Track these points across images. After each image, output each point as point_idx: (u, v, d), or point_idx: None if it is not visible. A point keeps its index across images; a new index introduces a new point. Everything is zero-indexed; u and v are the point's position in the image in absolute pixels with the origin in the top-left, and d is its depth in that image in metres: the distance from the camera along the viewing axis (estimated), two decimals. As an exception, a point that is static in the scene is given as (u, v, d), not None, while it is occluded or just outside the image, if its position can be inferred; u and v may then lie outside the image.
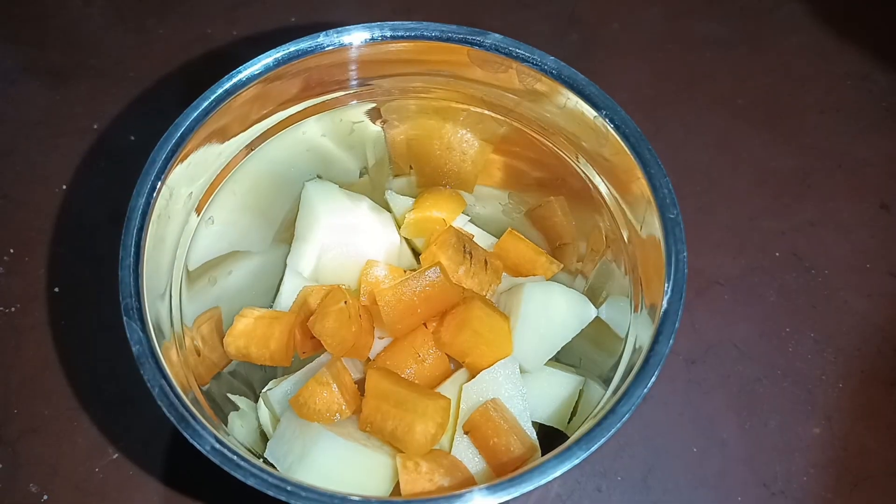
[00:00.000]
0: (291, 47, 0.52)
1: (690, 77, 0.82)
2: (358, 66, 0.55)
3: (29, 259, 0.71)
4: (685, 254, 0.47)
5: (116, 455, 0.63)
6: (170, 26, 0.84)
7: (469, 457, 0.52)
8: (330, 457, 0.49)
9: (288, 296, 0.60)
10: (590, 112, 0.51)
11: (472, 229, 0.65)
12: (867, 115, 0.80)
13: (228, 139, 0.53)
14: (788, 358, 0.68)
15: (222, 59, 0.82)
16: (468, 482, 0.51)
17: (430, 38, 0.52)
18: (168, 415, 0.43)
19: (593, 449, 0.42)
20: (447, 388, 0.54)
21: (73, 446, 0.63)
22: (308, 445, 0.49)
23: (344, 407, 0.51)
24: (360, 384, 0.55)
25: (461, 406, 0.53)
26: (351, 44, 0.53)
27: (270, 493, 0.41)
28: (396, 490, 0.50)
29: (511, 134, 0.58)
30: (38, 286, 0.69)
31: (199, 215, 0.54)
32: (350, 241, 0.61)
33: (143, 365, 0.44)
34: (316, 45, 0.52)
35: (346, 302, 0.53)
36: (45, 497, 0.61)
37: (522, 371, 0.55)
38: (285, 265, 0.62)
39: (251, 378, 0.60)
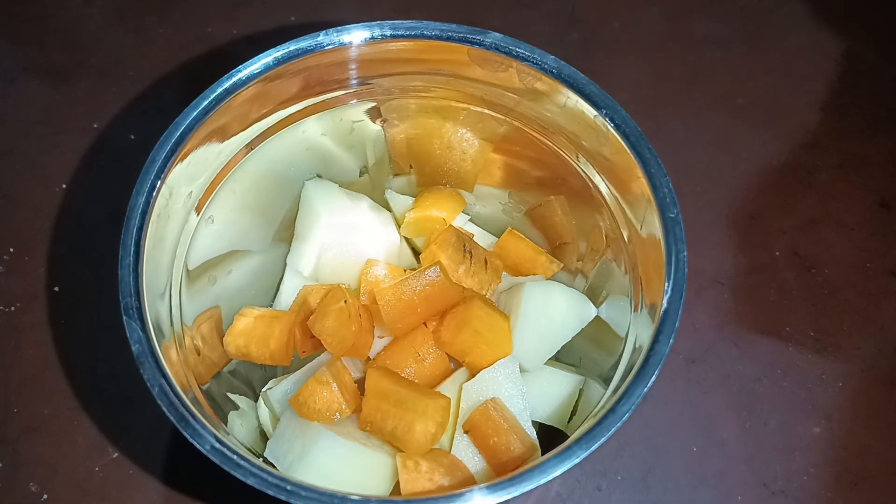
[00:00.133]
0: (291, 46, 0.52)
1: (691, 76, 0.82)
2: (358, 65, 0.55)
3: (29, 258, 0.71)
4: (685, 253, 0.47)
5: (116, 454, 0.63)
6: (170, 25, 0.84)
7: (469, 456, 0.52)
8: (330, 456, 0.49)
9: (288, 295, 0.60)
10: (590, 111, 0.51)
11: (472, 228, 0.65)
12: (867, 113, 0.80)
13: (228, 138, 0.53)
14: (789, 357, 0.68)
15: (222, 58, 0.82)
16: (468, 481, 0.51)
17: (430, 37, 0.52)
18: (168, 414, 0.43)
19: (593, 448, 0.42)
20: (447, 388, 0.54)
21: (73, 445, 0.63)
22: (308, 445, 0.49)
23: (344, 406, 0.51)
24: (360, 383, 0.55)
25: (461, 405, 0.53)
26: (351, 43, 0.53)
27: (270, 492, 0.41)
28: (396, 489, 0.50)
29: (511, 133, 0.58)
30: (37, 285, 0.69)
31: (198, 214, 0.54)
32: (350, 240, 0.61)
33: (142, 364, 0.44)
34: (316, 45, 0.52)
35: (345, 301, 0.53)
36: (45, 496, 0.61)
37: (522, 370, 0.55)
38: (285, 264, 0.62)
39: (251, 377, 0.60)
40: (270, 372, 0.61)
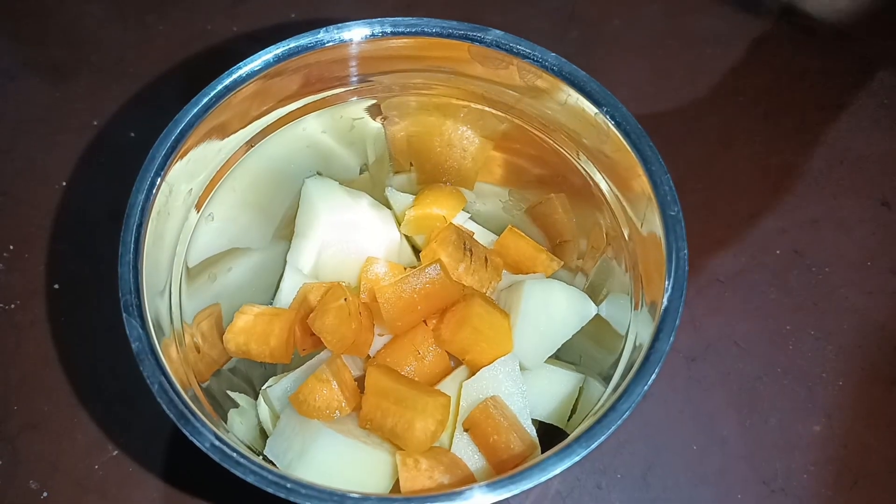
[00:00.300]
0: (291, 43, 0.51)
1: (691, 74, 0.82)
2: (358, 63, 0.55)
3: (29, 256, 0.71)
4: (686, 251, 0.47)
5: (116, 452, 0.63)
6: (170, 23, 0.84)
7: (469, 454, 0.52)
8: (329, 454, 0.49)
9: (288, 292, 0.60)
10: (591, 109, 0.51)
11: (472, 226, 0.65)
12: (868, 111, 0.80)
13: (228, 136, 0.53)
14: (789, 355, 0.68)
15: (222, 55, 0.81)
16: (468, 479, 0.51)
17: (430, 35, 0.52)
18: (167, 412, 0.43)
19: (593, 446, 0.42)
20: (447, 386, 0.54)
21: (72, 443, 0.63)
22: (308, 442, 0.49)
23: (344, 404, 0.51)
24: (360, 381, 0.55)
25: (461, 403, 0.53)
26: (351, 40, 0.53)
27: (270, 490, 0.41)
28: (396, 487, 0.50)
29: (512, 131, 0.58)
30: (37, 283, 0.69)
31: (198, 212, 0.54)
32: (350, 237, 0.61)
33: (142, 362, 0.44)
34: (316, 42, 0.52)
35: (346, 299, 0.53)
36: (45, 494, 0.61)
37: (522, 368, 0.55)
38: (285, 262, 0.62)
39: (251, 375, 0.60)
40: (270, 370, 0.61)
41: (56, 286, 0.69)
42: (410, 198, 0.65)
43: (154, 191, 0.48)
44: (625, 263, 0.54)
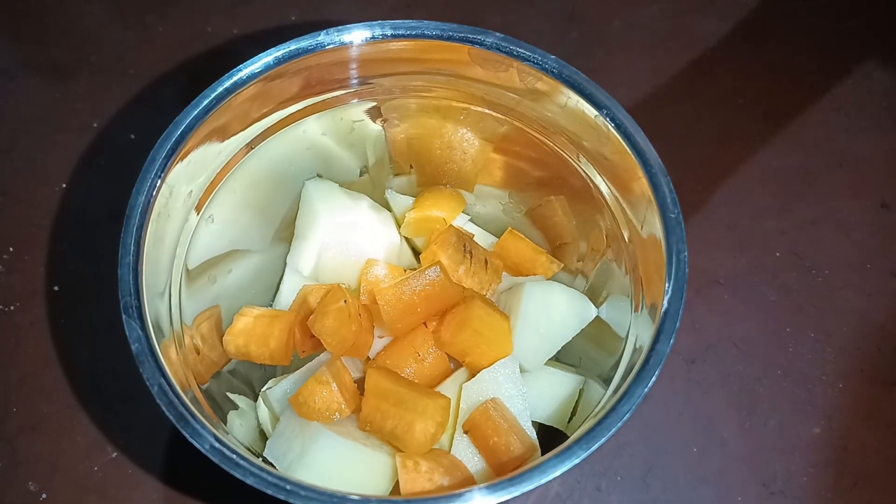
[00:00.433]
0: (292, 46, 0.51)
1: (691, 75, 0.82)
2: (358, 65, 0.55)
3: (28, 257, 0.71)
4: (686, 253, 0.47)
5: (115, 453, 0.63)
6: (170, 23, 0.84)
7: (469, 456, 0.52)
8: (329, 456, 0.49)
9: (288, 294, 0.60)
10: (591, 111, 0.51)
11: (472, 228, 0.65)
12: (868, 113, 0.80)
13: (228, 137, 0.53)
14: (788, 357, 0.68)
15: (222, 56, 0.81)
16: (468, 481, 0.51)
17: (430, 37, 0.52)
18: (167, 413, 0.43)
19: (593, 448, 0.42)
20: (447, 388, 0.54)
21: (72, 444, 0.63)
22: (307, 444, 0.49)
23: (343, 406, 0.51)
24: (360, 383, 0.55)
25: (461, 405, 0.53)
26: (351, 42, 0.53)
27: (269, 491, 0.41)
28: (396, 489, 0.50)
29: (512, 133, 0.58)
30: (37, 284, 0.69)
31: (198, 213, 0.54)
32: (350, 239, 0.61)
33: (142, 363, 0.44)
34: (316, 44, 0.52)
35: (345, 301, 0.53)
36: (44, 495, 0.61)
37: (522, 370, 0.55)
38: (285, 264, 0.62)
39: (251, 377, 0.60)
40: (270, 371, 0.61)
41: (56, 287, 0.69)
42: (410, 200, 0.65)
43: (154, 192, 0.48)
44: (625, 265, 0.54)
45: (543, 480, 0.41)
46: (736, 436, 0.65)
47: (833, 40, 0.84)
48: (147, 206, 0.47)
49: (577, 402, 0.57)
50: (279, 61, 0.51)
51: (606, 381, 0.51)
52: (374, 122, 0.60)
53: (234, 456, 0.41)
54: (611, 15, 0.85)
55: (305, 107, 0.56)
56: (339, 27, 0.52)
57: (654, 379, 0.44)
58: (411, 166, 0.64)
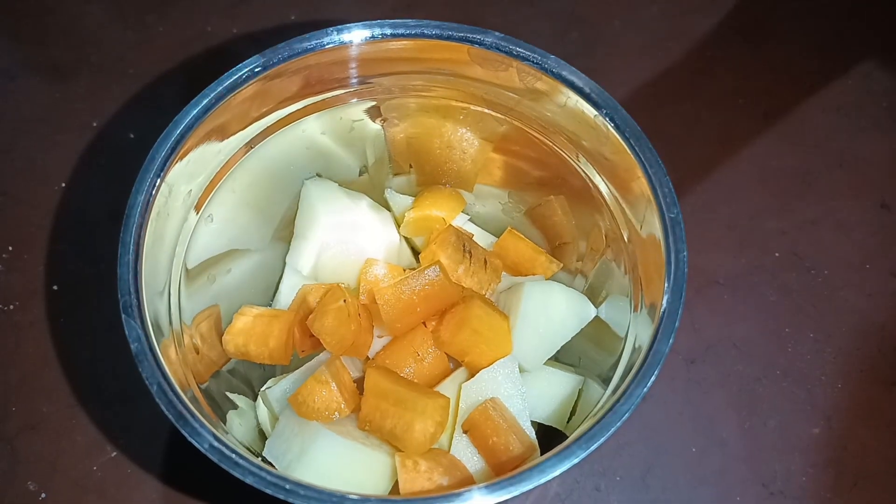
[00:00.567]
0: (292, 45, 0.51)
1: (691, 75, 0.82)
2: (358, 64, 0.55)
3: (28, 256, 0.71)
4: (685, 253, 0.47)
5: (115, 453, 0.63)
6: (170, 23, 0.84)
7: (468, 456, 0.52)
8: (328, 455, 0.49)
9: (287, 294, 0.60)
10: (590, 111, 0.51)
11: (471, 228, 0.65)
12: (868, 114, 0.80)
13: (228, 137, 0.53)
14: (788, 357, 0.68)
15: (222, 56, 0.81)
16: (467, 481, 0.51)
17: (430, 37, 0.52)
18: (166, 413, 0.43)
19: (593, 448, 0.42)
20: (446, 387, 0.54)
21: (71, 444, 0.63)
22: (307, 444, 0.49)
23: (343, 405, 0.51)
24: (360, 383, 0.55)
25: (460, 405, 0.53)
26: (351, 42, 0.53)
27: (269, 491, 0.41)
28: (395, 489, 0.50)
29: (511, 133, 0.58)
30: (37, 283, 0.69)
31: (198, 213, 0.54)
32: (349, 239, 0.61)
33: (141, 363, 0.44)
34: (316, 43, 0.52)
35: (345, 300, 0.53)
36: (44, 495, 0.61)
37: (522, 370, 0.55)
38: (284, 263, 0.62)
39: (250, 376, 0.60)
40: (269, 371, 0.61)
41: (55, 286, 0.69)
42: (410, 199, 0.65)
43: (154, 191, 0.48)
44: (624, 265, 0.54)
45: (542, 480, 0.41)
46: (735, 436, 0.65)
47: (833, 40, 0.84)
48: (147, 205, 0.47)
49: (576, 401, 0.57)
50: (279, 60, 0.51)
51: (606, 381, 0.51)
52: (374, 121, 0.60)
53: (234, 455, 0.41)
54: (611, 15, 0.85)
55: (305, 106, 0.56)
56: (339, 26, 0.52)
57: (653, 379, 0.44)
58: (411, 166, 0.64)
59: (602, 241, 0.56)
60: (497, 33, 0.52)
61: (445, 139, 0.61)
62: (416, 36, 0.52)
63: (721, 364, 0.68)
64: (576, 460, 0.42)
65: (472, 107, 0.58)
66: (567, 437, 0.43)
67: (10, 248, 0.71)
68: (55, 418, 0.64)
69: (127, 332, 0.44)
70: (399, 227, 0.64)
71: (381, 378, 0.51)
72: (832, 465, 0.64)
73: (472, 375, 0.54)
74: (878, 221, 0.74)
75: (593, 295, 0.58)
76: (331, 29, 0.52)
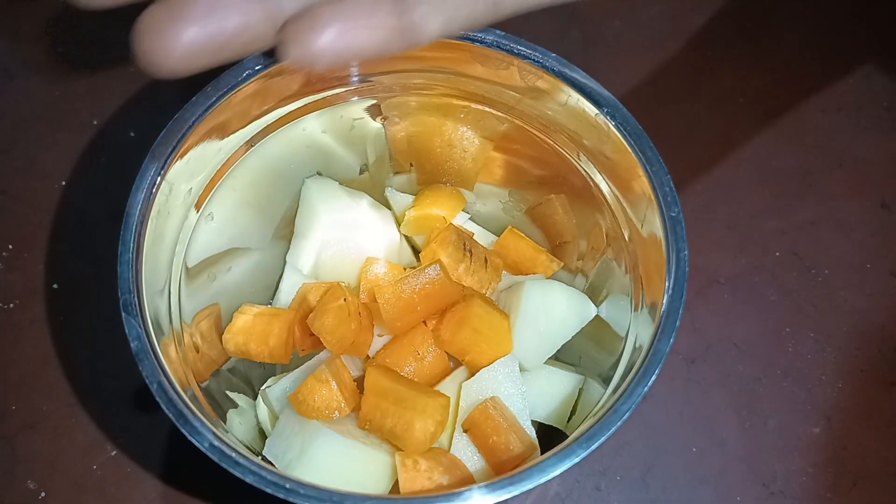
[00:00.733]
0: (292, 43, 0.51)
1: (692, 75, 0.82)
2: (358, 63, 0.55)
3: (28, 255, 0.71)
4: (686, 252, 0.47)
5: (115, 452, 0.63)
6: (170, 22, 0.83)
7: (468, 455, 0.52)
8: (329, 454, 0.49)
9: (287, 293, 0.60)
10: (591, 110, 0.51)
11: (472, 227, 0.65)
12: (868, 114, 0.80)
13: (228, 135, 0.53)
14: (788, 357, 0.68)
15: (222, 55, 0.81)
16: (467, 480, 0.51)
17: (430, 35, 0.52)
18: (166, 411, 0.42)
19: (593, 447, 0.42)
20: (446, 386, 0.54)
21: (71, 443, 0.63)
22: (307, 443, 0.49)
23: (343, 404, 0.51)
24: (360, 382, 0.55)
25: (460, 404, 0.53)
26: (352, 40, 0.52)
27: (269, 490, 0.41)
28: (395, 488, 0.50)
29: (512, 131, 0.58)
30: (36, 282, 0.69)
31: (198, 211, 0.53)
32: (350, 238, 0.61)
33: (141, 361, 0.43)
34: (316, 42, 0.52)
35: (345, 299, 0.53)
36: (43, 494, 0.61)
37: (522, 369, 0.55)
38: (285, 262, 0.62)
39: (250, 375, 0.60)
40: (269, 370, 0.61)
41: (55, 285, 0.69)
42: (410, 198, 0.65)
43: (154, 190, 0.48)
44: (625, 264, 0.54)
45: (543, 479, 0.41)
46: (735, 436, 0.65)
47: (833, 40, 0.84)
48: (147, 203, 0.47)
49: (576, 401, 0.57)
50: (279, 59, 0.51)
51: (606, 381, 0.51)
52: (375, 119, 0.60)
53: (234, 454, 0.41)
54: (612, 15, 0.85)
55: (305, 104, 0.56)
56: (340, 25, 0.52)
57: (653, 378, 0.44)
58: (411, 164, 0.64)
59: (603, 240, 0.56)
60: (498, 31, 0.52)
61: (446, 138, 0.61)
62: (416, 34, 0.52)
63: (721, 364, 0.68)
64: (576, 459, 0.42)
65: (472, 105, 0.57)
66: (567, 437, 0.43)
67: (10, 247, 0.71)
68: (55, 417, 0.64)
69: (127, 331, 0.44)
70: (399, 225, 0.64)
71: (381, 377, 0.51)
72: (832, 465, 0.64)
73: (473, 374, 0.54)
74: (879, 221, 0.74)
75: (594, 294, 0.58)
76: (331, 27, 0.52)
